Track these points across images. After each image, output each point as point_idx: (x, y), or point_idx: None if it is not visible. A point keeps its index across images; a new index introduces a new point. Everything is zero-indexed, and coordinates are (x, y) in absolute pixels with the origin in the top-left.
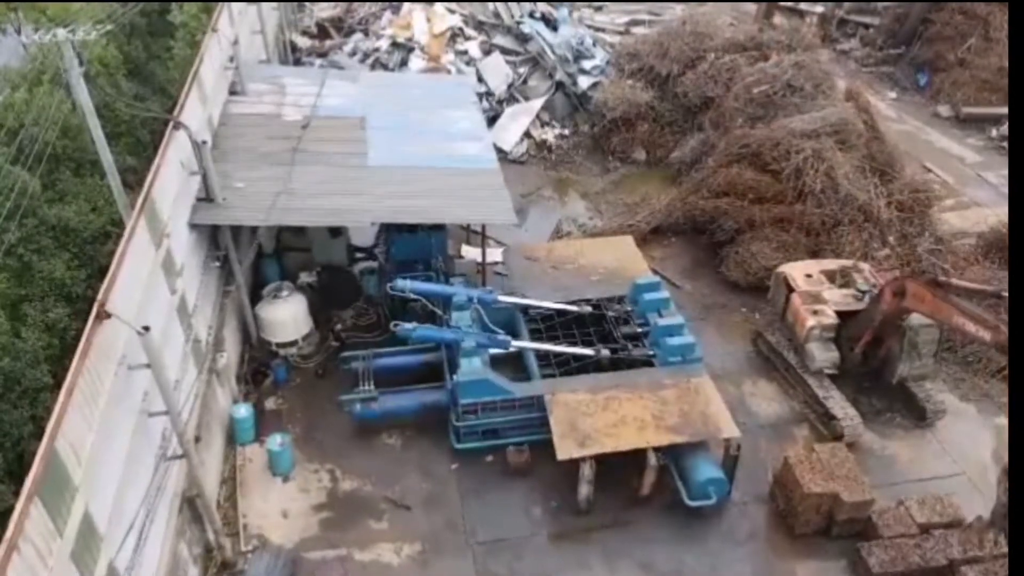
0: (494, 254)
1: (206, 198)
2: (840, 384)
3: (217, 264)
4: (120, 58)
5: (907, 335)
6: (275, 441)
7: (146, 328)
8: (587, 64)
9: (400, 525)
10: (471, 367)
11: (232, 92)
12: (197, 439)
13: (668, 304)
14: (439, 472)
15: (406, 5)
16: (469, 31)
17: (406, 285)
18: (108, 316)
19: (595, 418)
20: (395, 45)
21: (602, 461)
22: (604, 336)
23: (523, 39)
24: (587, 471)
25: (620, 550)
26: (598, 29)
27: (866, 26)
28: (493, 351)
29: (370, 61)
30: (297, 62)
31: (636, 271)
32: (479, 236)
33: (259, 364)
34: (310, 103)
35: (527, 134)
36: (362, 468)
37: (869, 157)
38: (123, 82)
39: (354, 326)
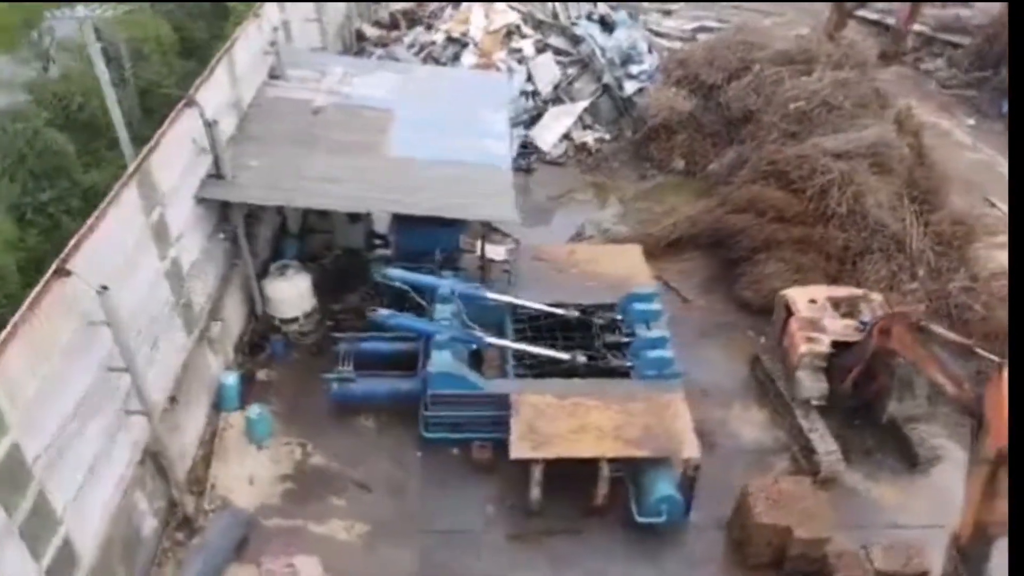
0: (500, 252)
1: (216, 174)
2: (830, 418)
3: (224, 238)
4: (175, 38)
5: (898, 372)
6: (254, 410)
7: (104, 287)
8: (635, 69)
9: (357, 505)
10: (441, 359)
11: (273, 76)
12: (173, 399)
13: (658, 316)
14: (406, 459)
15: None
16: (526, 30)
17: (395, 274)
18: (68, 274)
19: (557, 423)
20: (450, 40)
21: (559, 466)
22: (588, 343)
23: (576, 40)
24: (537, 473)
25: (569, 557)
26: (662, 35)
27: (955, 45)
28: (480, 346)
29: (424, 55)
30: (361, 52)
31: (638, 281)
32: (499, 233)
33: (260, 337)
34: (345, 92)
35: (568, 136)
36: (334, 446)
37: (911, 183)
38: (176, 60)
39: (355, 310)
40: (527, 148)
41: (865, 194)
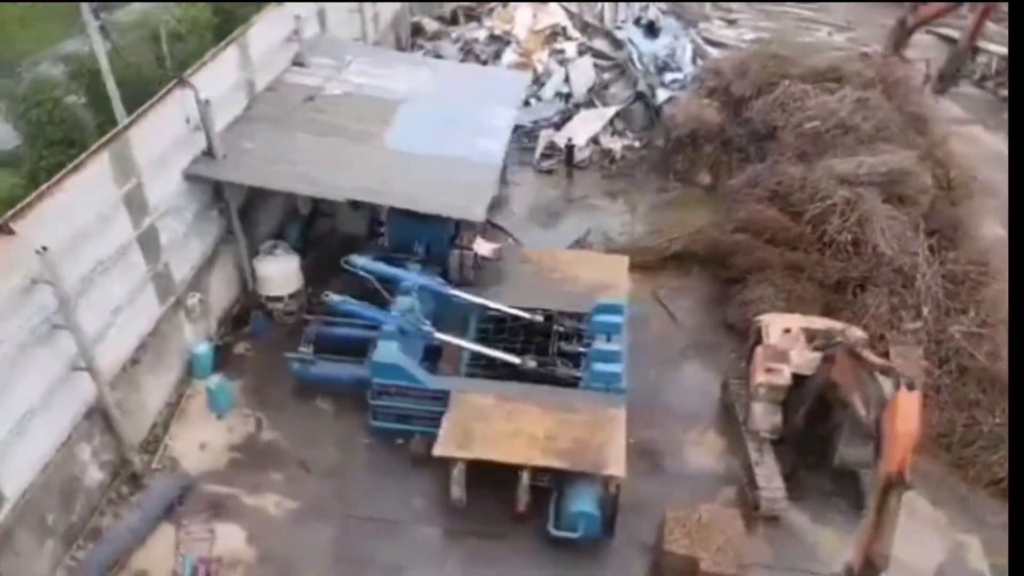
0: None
1: (208, 152)
2: (786, 453)
3: (217, 214)
4: (214, 20)
5: (850, 411)
6: (214, 380)
7: (44, 248)
8: (669, 77)
9: (294, 483)
10: (386, 350)
11: (296, 63)
12: (135, 361)
13: (619, 329)
14: (353, 445)
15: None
16: (572, 32)
17: (359, 262)
18: (12, 232)
19: (491, 425)
20: (493, 38)
21: (487, 469)
22: (546, 349)
23: (618, 44)
24: (456, 472)
25: (482, 560)
26: (718, 44)
27: None
28: (427, 341)
29: (467, 51)
30: (413, 46)
31: (615, 292)
32: (502, 232)
33: (245, 312)
34: (359, 82)
35: (596, 140)
36: (288, 424)
37: (932, 216)
38: (212, 42)
39: (340, 293)
40: (553, 149)
41: (871, 223)
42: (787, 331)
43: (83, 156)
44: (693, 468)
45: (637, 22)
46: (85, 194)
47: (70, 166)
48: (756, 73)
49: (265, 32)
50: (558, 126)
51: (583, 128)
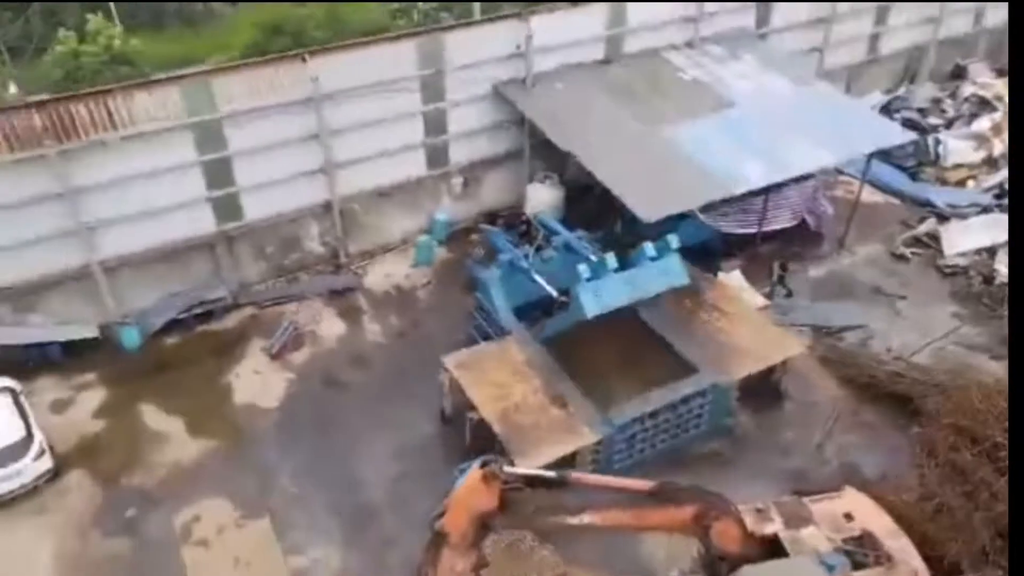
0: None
1: (522, 80)
2: None
3: (514, 130)
4: None
5: None
6: (425, 237)
7: (316, 78)
8: None
9: (393, 335)
10: (490, 273)
11: (688, 44)
12: (385, 194)
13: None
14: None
15: None
16: None
17: (542, 218)
18: (304, 61)
19: (489, 373)
20: (982, 101)
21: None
22: None
23: None
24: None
25: None
26: None
27: None
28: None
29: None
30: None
31: (739, 371)
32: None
33: (516, 220)
34: (719, 75)
35: (987, 251)
36: (441, 293)
37: None
38: None
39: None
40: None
41: None
42: None
43: (397, 33)
44: None
45: None
46: (379, 61)
47: (383, 35)
48: None
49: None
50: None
51: (968, 233)
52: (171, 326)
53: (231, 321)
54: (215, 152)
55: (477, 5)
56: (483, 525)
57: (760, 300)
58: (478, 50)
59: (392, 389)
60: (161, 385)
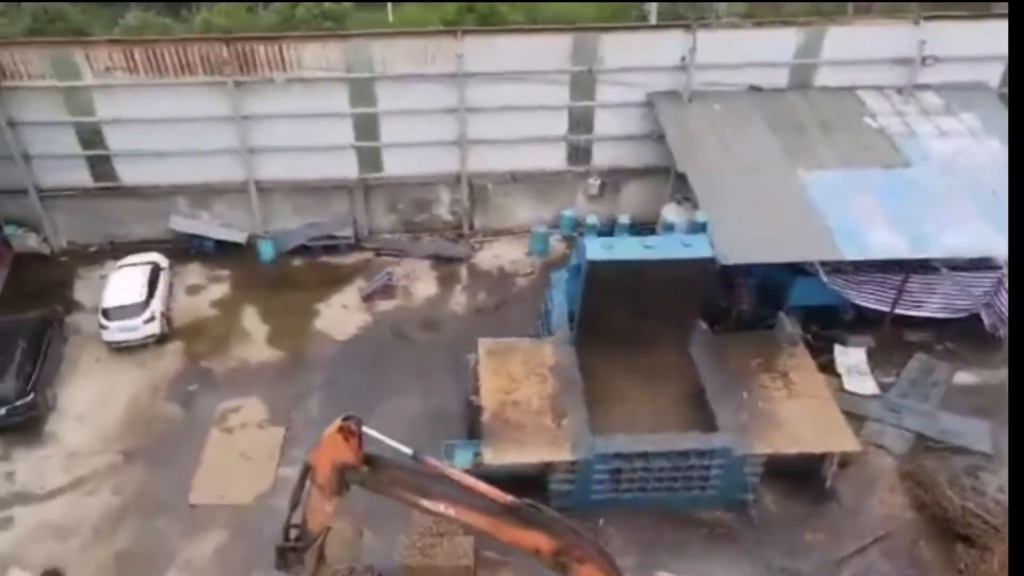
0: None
1: (676, 92)
2: None
3: (653, 140)
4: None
5: None
6: (543, 230)
7: (460, 55)
8: None
9: (485, 314)
10: (560, 274)
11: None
12: (516, 179)
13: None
14: None
15: None
16: None
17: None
18: (457, 37)
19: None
20: None
21: None
22: None
23: None
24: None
25: None
26: None
27: None
28: None
29: None
30: None
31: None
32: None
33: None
34: (915, 127)
35: None
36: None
37: None
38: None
39: None
40: None
41: None
42: None
43: (552, 26)
44: None
45: None
46: (530, 50)
47: (538, 26)
48: None
49: (865, 40)
50: None
51: None
52: (301, 250)
53: (350, 259)
54: (366, 107)
55: (654, 6)
56: (342, 477)
57: (871, 386)
58: (637, 55)
59: (446, 358)
60: (270, 296)
